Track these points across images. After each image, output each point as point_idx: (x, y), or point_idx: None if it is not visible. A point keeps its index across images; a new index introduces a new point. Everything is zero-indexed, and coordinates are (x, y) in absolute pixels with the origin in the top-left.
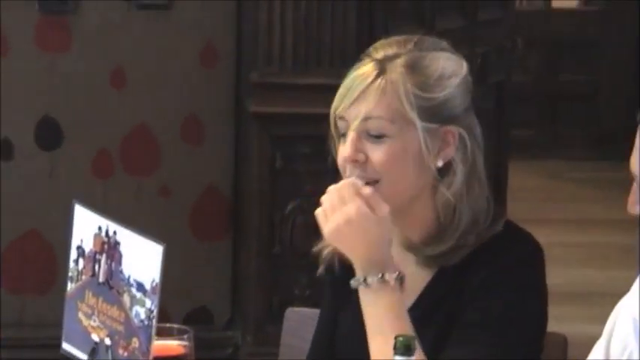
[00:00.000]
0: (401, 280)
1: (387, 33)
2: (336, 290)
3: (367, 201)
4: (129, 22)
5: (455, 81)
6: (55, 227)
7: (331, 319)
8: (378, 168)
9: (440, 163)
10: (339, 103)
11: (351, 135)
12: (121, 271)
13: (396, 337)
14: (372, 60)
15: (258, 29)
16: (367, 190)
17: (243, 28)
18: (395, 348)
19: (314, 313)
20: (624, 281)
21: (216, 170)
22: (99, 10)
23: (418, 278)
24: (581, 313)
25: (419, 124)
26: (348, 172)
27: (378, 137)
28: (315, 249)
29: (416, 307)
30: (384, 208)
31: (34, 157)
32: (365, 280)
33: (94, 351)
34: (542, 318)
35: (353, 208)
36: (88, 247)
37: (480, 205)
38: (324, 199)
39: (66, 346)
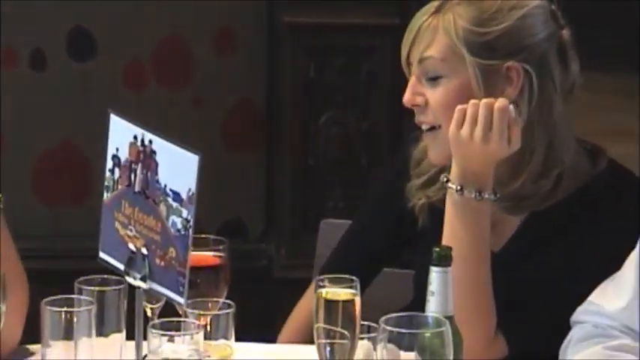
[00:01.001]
0: (495, 194)
1: None
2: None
3: (512, 132)
4: None
5: (517, 13)
6: (89, 138)
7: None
8: (437, 111)
9: (512, 115)
10: (404, 47)
11: (411, 79)
12: (157, 181)
13: (433, 250)
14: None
15: None
16: (517, 127)
17: None
18: (432, 259)
19: (348, 224)
20: None
21: (249, 82)
22: None
23: (508, 225)
24: None
25: (469, 59)
26: (416, 119)
27: (434, 79)
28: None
29: (504, 252)
30: (516, 146)
31: (66, 67)
32: (461, 189)
33: (130, 260)
34: None
35: (497, 130)
36: (124, 156)
37: (557, 140)
38: (459, 107)
39: (103, 256)
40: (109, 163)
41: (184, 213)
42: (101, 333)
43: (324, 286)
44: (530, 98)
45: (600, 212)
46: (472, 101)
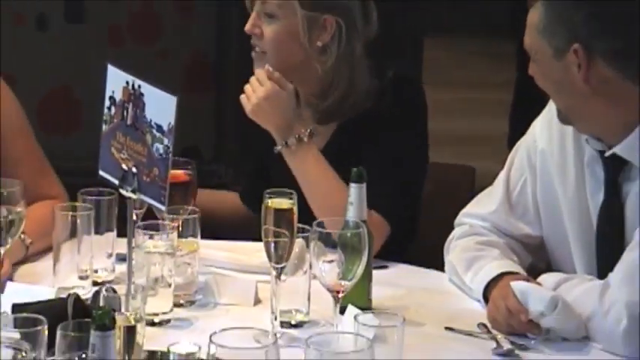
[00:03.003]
0: (311, 134)
1: None
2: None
3: (276, 81)
4: None
5: None
6: (82, 84)
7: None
8: (267, 41)
9: (319, 44)
10: None
11: (252, 15)
12: (144, 116)
13: (352, 170)
14: None
15: None
16: (276, 74)
17: None
18: (350, 178)
19: None
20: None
21: (205, 36)
22: None
23: (320, 135)
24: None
25: (299, 11)
26: (252, 41)
27: (270, 16)
28: None
29: (324, 153)
30: (289, 85)
31: (63, 29)
32: (286, 143)
33: (124, 177)
34: (426, 157)
35: (268, 86)
36: (118, 97)
37: (355, 77)
38: (245, 87)
39: (102, 173)
40: (107, 102)
41: (165, 141)
42: (98, 232)
43: (270, 198)
44: (340, 43)
45: (386, 121)
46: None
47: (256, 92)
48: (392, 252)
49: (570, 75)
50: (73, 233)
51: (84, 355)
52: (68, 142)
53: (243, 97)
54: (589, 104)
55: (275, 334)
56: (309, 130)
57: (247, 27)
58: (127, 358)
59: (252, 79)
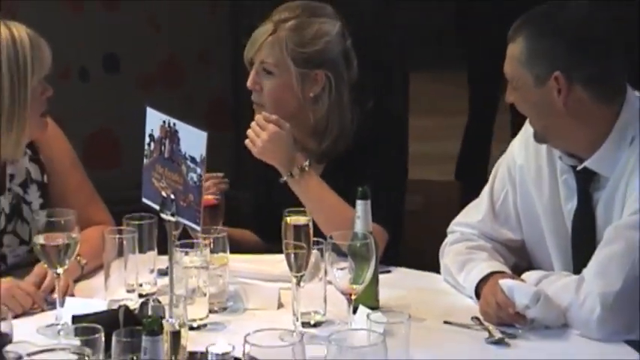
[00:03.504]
0: (309, 164)
1: None
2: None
3: (275, 123)
4: None
5: (324, 39)
6: (119, 124)
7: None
8: (266, 94)
9: (311, 95)
10: (249, 51)
11: (252, 72)
12: (180, 150)
13: (357, 189)
14: (271, 21)
15: None
16: (273, 117)
17: None
18: (356, 196)
19: None
20: None
21: (221, 84)
22: None
23: (316, 170)
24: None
25: (293, 69)
26: (252, 97)
27: (268, 73)
28: None
29: None
30: (286, 124)
31: (102, 78)
32: (291, 174)
33: (163, 202)
34: (405, 171)
35: (269, 129)
36: (156, 134)
37: (345, 121)
38: (248, 132)
39: (145, 200)
40: (147, 139)
41: (198, 171)
42: (141, 251)
43: (289, 216)
44: (330, 93)
45: (370, 151)
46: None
47: (260, 136)
48: (389, 257)
49: (550, 99)
50: (120, 253)
51: (135, 358)
52: (110, 175)
53: (247, 142)
54: (564, 124)
55: (299, 333)
56: (308, 161)
57: (249, 84)
58: (173, 358)
59: (253, 124)
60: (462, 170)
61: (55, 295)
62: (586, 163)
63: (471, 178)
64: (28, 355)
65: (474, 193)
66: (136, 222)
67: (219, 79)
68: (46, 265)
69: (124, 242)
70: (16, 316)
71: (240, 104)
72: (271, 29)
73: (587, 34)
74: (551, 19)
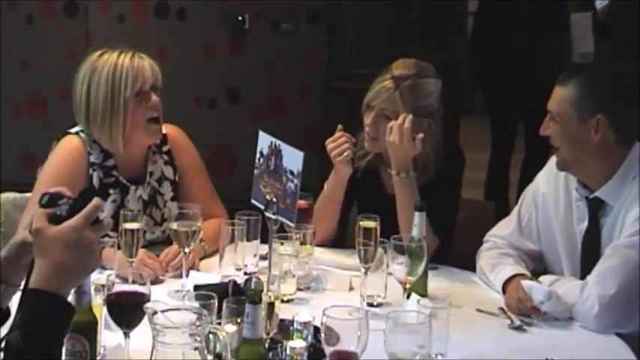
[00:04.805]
0: (415, 174)
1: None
2: (354, 183)
3: (408, 134)
4: None
5: (434, 96)
6: (236, 143)
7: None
8: (383, 135)
9: (420, 136)
10: (372, 99)
11: (372, 114)
12: (282, 165)
13: (415, 202)
14: (391, 75)
15: None
16: (407, 124)
17: None
18: (414, 207)
19: None
20: None
21: (314, 115)
22: None
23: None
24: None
25: (408, 116)
26: (367, 131)
27: (386, 117)
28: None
29: None
30: (418, 147)
31: (226, 107)
32: (398, 174)
33: (267, 204)
34: (460, 195)
35: (407, 136)
36: (265, 152)
37: (439, 155)
38: (390, 125)
39: (253, 201)
40: (257, 155)
41: (295, 181)
42: (248, 239)
43: (361, 220)
44: (432, 134)
45: (445, 179)
46: (392, 122)
47: (403, 141)
48: (436, 257)
49: (587, 136)
50: (232, 240)
51: (239, 320)
52: (227, 181)
53: (390, 141)
54: (589, 158)
55: (365, 311)
56: (414, 172)
57: (369, 122)
58: (268, 323)
59: (397, 126)
60: (488, 193)
61: (182, 269)
62: (597, 193)
63: (496, 199)
64: (162, 311)
65: (501, 211)
66: (245, 217)
67: (314, 111)
68: (177, 246)
69: (235, 232)
70: (152, 282)
71: (329, 131)
72: (392, 86)
73: (623, 86)
74: (598, 70)
